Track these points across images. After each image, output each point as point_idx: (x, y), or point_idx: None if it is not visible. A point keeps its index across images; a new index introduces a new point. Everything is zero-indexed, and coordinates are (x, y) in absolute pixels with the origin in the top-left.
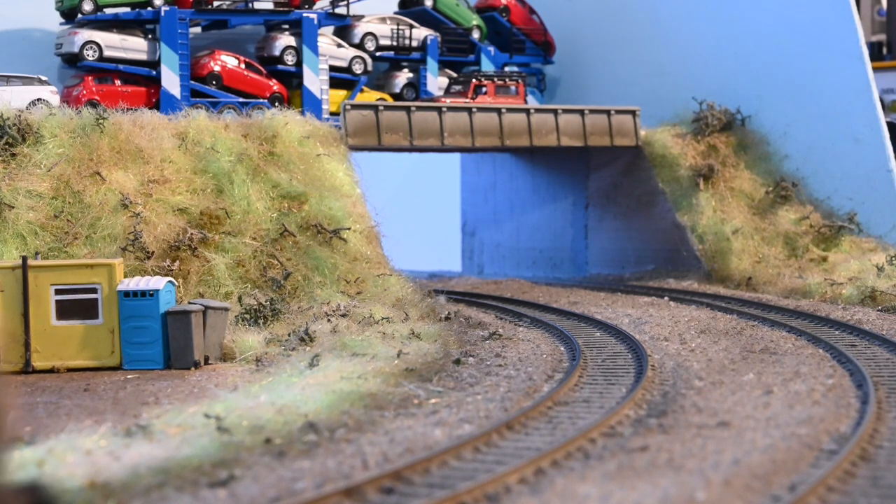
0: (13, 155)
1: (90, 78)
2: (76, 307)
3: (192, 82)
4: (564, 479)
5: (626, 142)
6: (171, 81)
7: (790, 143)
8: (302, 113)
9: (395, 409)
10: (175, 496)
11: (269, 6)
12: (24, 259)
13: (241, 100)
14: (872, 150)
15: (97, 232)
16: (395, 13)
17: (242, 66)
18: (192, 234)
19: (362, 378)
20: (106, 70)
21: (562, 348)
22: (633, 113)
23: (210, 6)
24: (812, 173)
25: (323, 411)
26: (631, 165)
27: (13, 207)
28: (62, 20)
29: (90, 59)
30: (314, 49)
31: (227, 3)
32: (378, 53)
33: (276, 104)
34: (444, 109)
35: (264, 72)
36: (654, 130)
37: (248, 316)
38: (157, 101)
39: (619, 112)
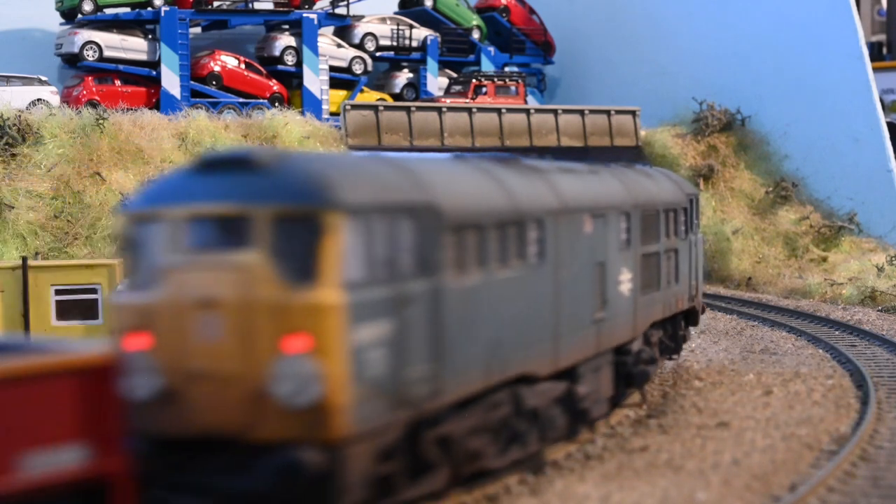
0: (13, 155)
1: (90, 78)
2: (76, 307)
3: (192, 82)
4: (564, 479)
5: (626, 142)
6: (171, 81)
7: (790, 143)
8: (302, 113)
9: None
10: None
11: (269, 6)
12: (24, 259)
13: (241, 100)
14: (872, 150)
15: (97, 232)
16: (395, 13)
17: (242, 66)
18: None
19: None
20: (106, 70)
21: None
22: (633, 113)
23: (210, 6)
24: (812, 173)
25: None
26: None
27: (13, 208)
28: (62, 20)
29: (90, 59)
30: (314, 49)
31: (227, 3)
32: (378, 53)
33: (276, 104)
34: (444, 109)
35: (264, 72)
36: (655, 130)
37: None
38: (157, 101)
39: (619, 112)
